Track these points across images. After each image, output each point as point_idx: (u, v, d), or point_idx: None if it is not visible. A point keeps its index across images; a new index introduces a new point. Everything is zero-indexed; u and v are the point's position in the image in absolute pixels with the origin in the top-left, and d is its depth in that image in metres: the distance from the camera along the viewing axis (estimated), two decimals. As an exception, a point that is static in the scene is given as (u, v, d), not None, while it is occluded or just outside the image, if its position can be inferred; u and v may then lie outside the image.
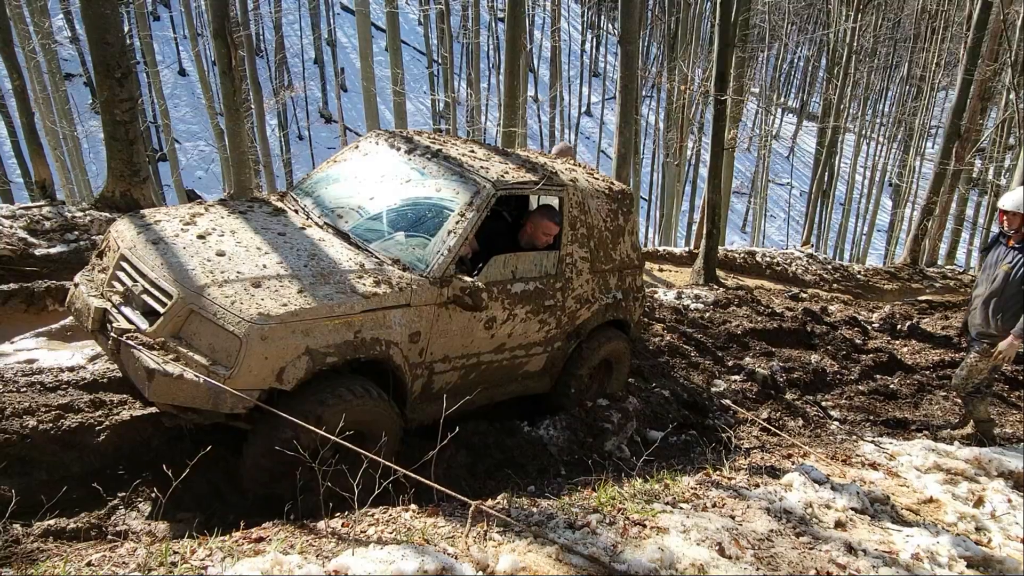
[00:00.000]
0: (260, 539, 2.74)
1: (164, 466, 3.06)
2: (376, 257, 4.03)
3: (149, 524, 3.38)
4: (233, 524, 3.03)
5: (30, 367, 4.49)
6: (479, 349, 4.38)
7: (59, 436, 3.70)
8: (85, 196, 18.15)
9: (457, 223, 4.16)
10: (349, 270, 3.79)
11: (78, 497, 3.46)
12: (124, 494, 3.53)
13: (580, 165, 5.64)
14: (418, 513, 3.08)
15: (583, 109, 36.90)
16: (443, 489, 2.84)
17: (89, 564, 2.56)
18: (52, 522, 3.19)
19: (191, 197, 19.77)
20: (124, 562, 2.54)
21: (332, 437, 3.08)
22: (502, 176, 4.43)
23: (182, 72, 32.36)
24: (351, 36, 35.71)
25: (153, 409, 4.05)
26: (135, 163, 7.91)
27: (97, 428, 3.81)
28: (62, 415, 3.82)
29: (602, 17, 42.11)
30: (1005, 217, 5.22)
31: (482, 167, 4.50)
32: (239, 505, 3.53)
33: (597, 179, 5.32)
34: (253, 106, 17.07)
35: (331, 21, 35.42)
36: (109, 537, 3.21)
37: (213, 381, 3.18)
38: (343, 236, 4.22)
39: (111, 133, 7.77)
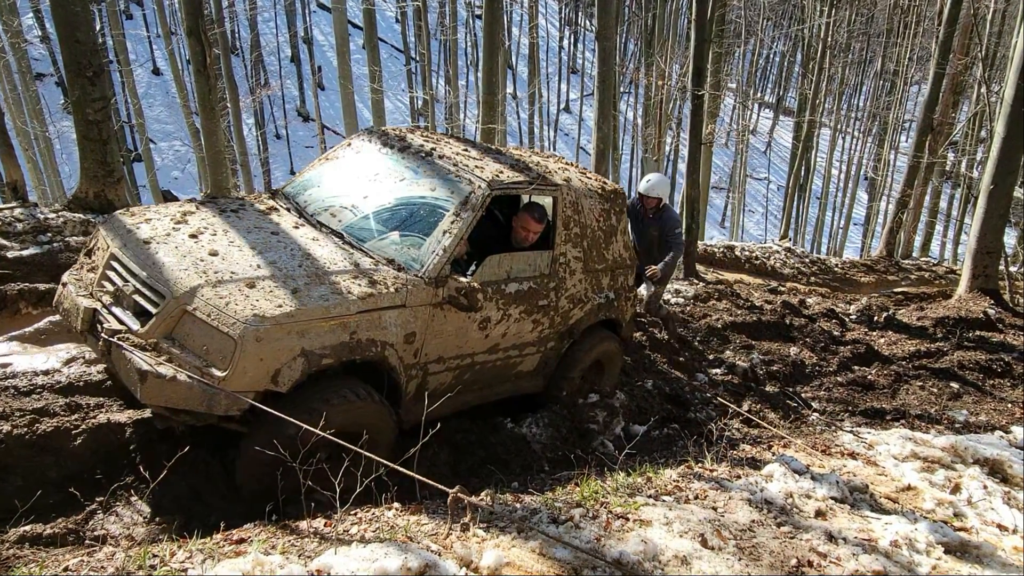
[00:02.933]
0: (241, 540, 2.71)
1: (142, 469, 3.01)
2: (371, 257, 4.00)
3: (128, 528, 3.34)
4: (214, 526, 3.00)
5: (3, 371, 4.41)
6: (473, 349, 4.36)
7: (34, 441, 3.64)
8: (58, 197, 17.88)
9: (452, 223, 4.14)
10: (344, 270, 3.75)
11: (55, 502, 3.40)
12: (102, 498, 3.47)
13: (572, 165, 5.65)
14: (401, 511, 3.07)
15: (562, 106, 36.95)
16: (422, 479, 2.84)
17: (66, 570, 2.52)
18: (28, 528, 3.14)
19: (167, 198, 19.52)
20: (102, 567, 2.50)
21: (328, 436, 3.04)
22: (497, 176, 4.41)
23: (156, 71, 31.93)
24: (328, 34, 35.43)
25: (131, 412, 4.00)
26: (108, 163, 7.79)
27: (73, 432, 3.75)
28: (37, 419, 3.75)
29: (579, 14, 42.16)
30: (643, 199, 6.70)
31: (477, 167, 4.47)
32: (220, 506, 3.50)
33: (590, 179, 5.31)
34: (229, 105, 16.90)
35: (307, 19, 35.15)
36: (87, 542, 3.16)
37: (207, 383, 3.15)
38: (337, 235, 4.18)
39: (84, 133, 7.65)
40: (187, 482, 3.61)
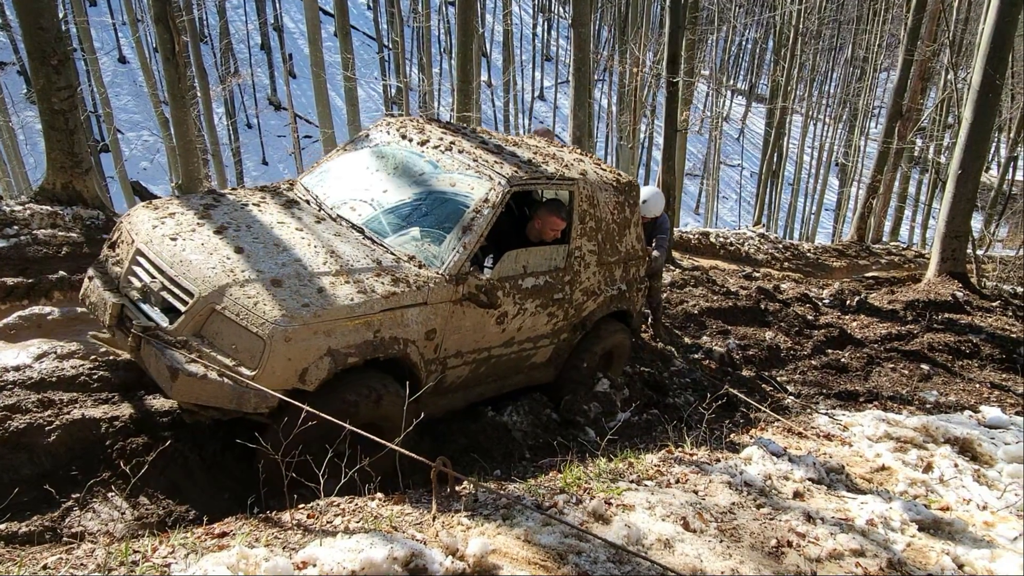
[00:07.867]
0: (224, 534, 2.69)
1: (121, 463, 2.97)
2: (392, 253, 4.02)
3: (106, 524, 3.29)
4: (195, 520, 2.97)
5: (-28, 368, 4.30)
6: (490, 343, 4.39)
7: (6, 438, 3.57)
8: (24, 189, 17.46)
9: (472, 219, 4.15)
10: (367, 268, 3.78)
11: (29, 500, 3.34)
12: (78, 495, 3.42)
13: (587, 155, 5.65)
14: (384, 501, 3.06)
15: (536, 93, 36.83)
16: (410, 454, 2.83)
17: (45, 567, 2.48)
18: (3, 526, 3.09)
19: (136, 189, 19.10)
20: (82, 564, 2.47)
21: (352, 429, 3.03)
22: (516, 171, 4.41)
23: (122, 59, 31.21)
24: (298, 21, 34.93)
25: (106, 408, 3.94)
26: (76, 153, 7.61)
27: (47, 428, 3.68)
28: (9, 416, 3.68)
29: (553, 1, 42.00)
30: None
31: (496, 161, 4.48)
32: (200, 500, 3.46)
33: (605, 171, 5.33)
34: (199, 94, 16.58)
35: (277, 6, 34.55)
36: (65, 539, 3.12)
37: (238, 382, 3.20)
38: (358, 230, 4.20)
39: (49, 123, 7.45)
40: (166, 476, 3.57)
